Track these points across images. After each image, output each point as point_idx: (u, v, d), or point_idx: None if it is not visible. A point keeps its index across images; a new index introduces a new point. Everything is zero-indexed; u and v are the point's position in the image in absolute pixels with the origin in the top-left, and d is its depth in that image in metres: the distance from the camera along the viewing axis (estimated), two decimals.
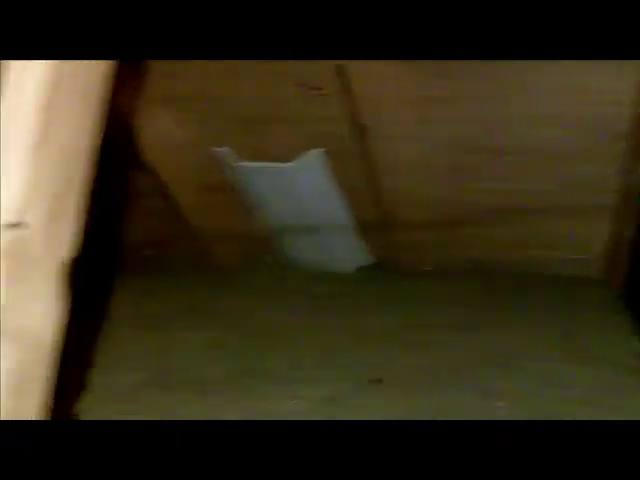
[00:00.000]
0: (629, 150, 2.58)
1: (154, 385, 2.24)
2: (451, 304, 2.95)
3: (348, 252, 3.17)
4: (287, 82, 2.53)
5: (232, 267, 3.17)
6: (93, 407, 2.02)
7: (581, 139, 2.60)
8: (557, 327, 2.66)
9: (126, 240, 3.10)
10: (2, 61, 1.03)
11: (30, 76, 1.05)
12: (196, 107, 2.70)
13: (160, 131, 2.73)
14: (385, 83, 2.50)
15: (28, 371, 1.02)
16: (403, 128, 2.66)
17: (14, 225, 1.01)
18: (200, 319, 2.75)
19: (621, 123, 2.50)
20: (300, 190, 2.85)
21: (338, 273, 3.20)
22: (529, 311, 2.81)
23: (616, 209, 2.81)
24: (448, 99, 2.58)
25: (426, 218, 2.98)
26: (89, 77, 1.12)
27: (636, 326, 2.62)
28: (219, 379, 2.33)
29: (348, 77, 2.47)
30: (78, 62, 1.10)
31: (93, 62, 1.13)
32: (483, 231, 3.04)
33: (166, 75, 2.49)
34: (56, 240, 1.06)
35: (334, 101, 2.56)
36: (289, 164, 2.73)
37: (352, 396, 2.19)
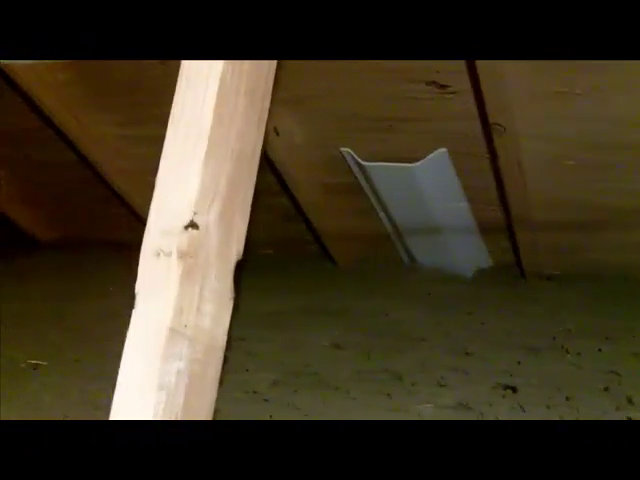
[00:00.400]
0: None
1: (284, 384, 2.25)
2: (578, 309, 2.86)
3: (469, 254, 3.10)
4: (416, 80, 2.49)
5: (353, 267, 3.15)
6: (227, 406, 2.03)
7: None
8: None
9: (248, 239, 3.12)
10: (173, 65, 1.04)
11: (202, 79, 1.05)
12: (321, 107, 2.69)
13: (285, 131, 2.73)
14: (514, 80, 2.43)
15: (200, 371, 1.02)
16: (532, 126, 2.58)
17: (190, 226, 1.01)
18: (323, 319, 2.75)
19: None
20: (425, 190, 2.80)
21: (457, 275, 3.14)
22: None
23: None
24: (576, 95, 2.49)
25: (552, 220, 2.89)
26: (255, 78, 1.12)
27: None
28: (346, 379, 2.32)
29: (477, 74, 2.41)
30: (245, 63, 1.10)
31: (258, 62, 1.13)
32: (610, 234, 2.92)
33: (290, 74, 2.49)
34: (228, 241, 1.05)
35: (463, 99, 2.51)
36: (416, 164, 2.69)
37: (484, 403, 2.14)
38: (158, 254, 1.00)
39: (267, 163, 2.84)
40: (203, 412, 1.03)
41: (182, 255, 1.00)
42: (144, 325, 0.99)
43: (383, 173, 2.78)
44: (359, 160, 2.76)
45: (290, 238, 3.19)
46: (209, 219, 1.03)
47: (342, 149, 2.78)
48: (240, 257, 1.09)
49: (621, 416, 2.02)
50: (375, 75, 2.52)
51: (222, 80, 1.06)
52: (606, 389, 2.20)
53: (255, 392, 2.19)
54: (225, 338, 1.06)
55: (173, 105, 1.04)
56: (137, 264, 1.04)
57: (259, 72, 1.12)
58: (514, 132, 2.56)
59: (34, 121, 2.88)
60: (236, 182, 1.08)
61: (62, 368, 2.37)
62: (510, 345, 2.54)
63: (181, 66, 1.06)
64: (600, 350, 2.47)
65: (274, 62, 1.15)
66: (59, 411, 2.12)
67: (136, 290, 1.00)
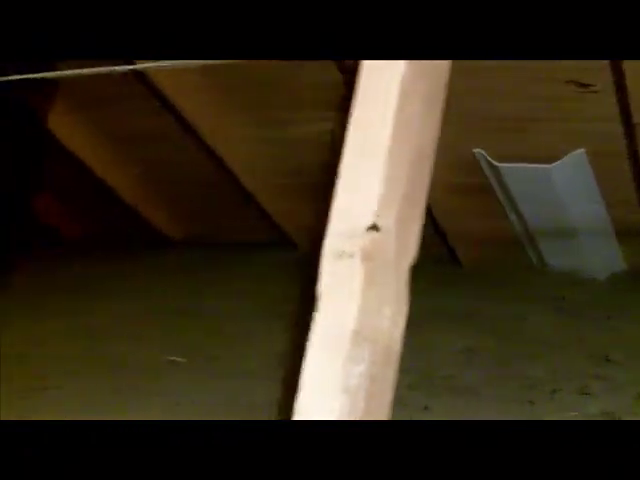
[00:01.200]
0: None
1: (419, 388, 2.23)
2: None
3: (603, 257, 3.02)
4: (556, 79, 2.43)
5: (480, 270, 3.11)
6: None
7: None
8: None
9: None
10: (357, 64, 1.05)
11: (382, 79, 1.05)
12: (452, 106, 2.66)
13: None
14: None
15: (379, 373, 1.02)
16: None
17: (371, 228, 1.01)
18: (452, 322, 2.72)
19: None
20: (560, 192, 2.74)
21: (590, 279, 3.05)
22: None
23: None
24: None
25: None
26: (432, 78, 1.11)
27: None
28: (477, 383, 2.29)
29: (623, 72, 2.34)
30: (424, 63, 1.09)
31: (435, 63, 1.12)
32: None
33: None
34: (405, 243, 1.05)
35: (605, 99, 2.44)
36: (553, 165, 2.63)
37: (628, 412, 2.07)
38: (340, 256, 1.00)
39: None
40: (382, 414, 1.03)
41: (365, 257, 1.00)
42: (327, 327, 0.99)
43: (517, 174, 2.73)
44: (492, 161, 2.72)
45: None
46: (389, 222, 1.02)
47: (475, 150, 2.74)
48: (414, 260, 1.08)
49: None
50: (511, 74, 2.47)
51: (403, 81, 1.05)
52: None
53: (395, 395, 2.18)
54: (401, 341, 1.06)
55: (353, 106, 1.04)
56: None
57: (436, 72, 1.11)
58: None
59: (169, 123, 2.96)
60: (414, 185, 1.07)
61: (200, 365, 2.42)
62: None
63: (361, 67, 1.06)
64: None
65: (448, 62, 1.14)
66: (198, 408, 2.16)
67: (318, 292, 1.00)
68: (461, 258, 3.17)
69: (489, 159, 2.72)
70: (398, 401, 2.20)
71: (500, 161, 2.72)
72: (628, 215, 2.81)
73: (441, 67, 1.10)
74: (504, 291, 2.96)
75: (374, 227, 1.00)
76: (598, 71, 2.36)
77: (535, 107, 2.59)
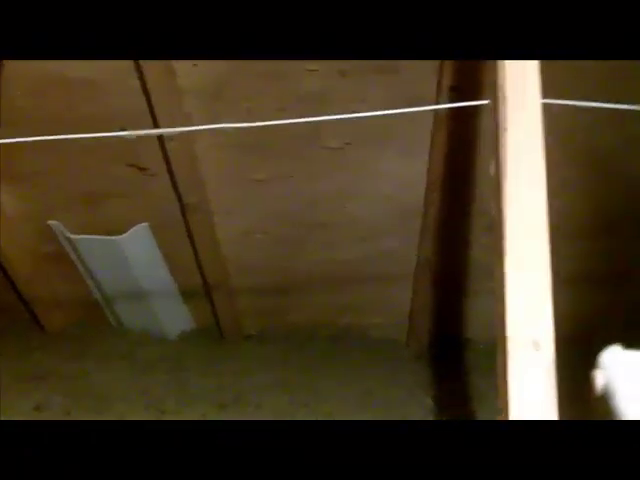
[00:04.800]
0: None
1: None
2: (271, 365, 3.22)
3: (173, 317, 3.38)
4: (121, 161, 2.74)
5: (62, 332, 3.30)
6: None
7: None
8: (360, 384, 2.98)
9: None
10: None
11: None
12: (33, 182, 2.85)
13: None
14: (207, 165, 2.77)
15: None
16: (225, 205, 2.92)
17: None
18: (29, 383, 2.87)
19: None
20: (130, 260, 3.05)
21: (161, 337, 3.39)
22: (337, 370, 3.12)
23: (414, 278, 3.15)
24: (265, 181, 2.85)
25: (249, 285, 3.24)
26: None
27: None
28: None
29: (170, 158, 2.70)
30: None
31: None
32: (303, 297, 3.32)
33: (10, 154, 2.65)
34: None
35: (161, 180, 2.79)
36: (121, 237, 2.94)
37: None
38: None
39: None
40: None
41: None
42: None
43: (90, 245, 2.99)
44: (66, 232, 2.96)
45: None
46: None
47: (50, 222, 2.96)
48: None
49: None
50: (83, 154, 2.74)
51: None
52: None
53: None
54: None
55: None
56: None
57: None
58: (207, 210, 2.90)
59: None
60: None
61: None
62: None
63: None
64: None
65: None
66: None
67: None
68: (44, 322, 3.33)
69: (63, 231, 2.95)
70: None
71: (75, 233, 2.98)
72: (190, 280, 3.20)
73: None
74: (82, 351, 3.19)
75: None
76: (154, 155, 2.72)
77: (106, 185, 2.87)
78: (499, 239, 1.13)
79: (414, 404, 2.84)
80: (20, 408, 2.66)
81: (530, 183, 1.13)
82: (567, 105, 1.46)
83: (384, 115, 2.36)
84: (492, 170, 1.20)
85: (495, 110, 1.22)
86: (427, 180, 2.72)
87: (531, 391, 1.10)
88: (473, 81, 2.24)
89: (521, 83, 1.25)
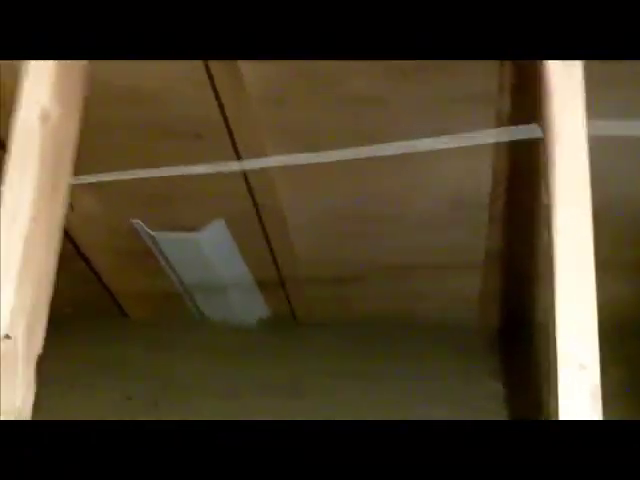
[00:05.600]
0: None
1: None
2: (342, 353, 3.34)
3: (250, 306, 3.54)
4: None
5: (150, 322, 3.50)
6: None
7: None
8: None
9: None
10: None
11: None
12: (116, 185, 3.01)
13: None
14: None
15: None
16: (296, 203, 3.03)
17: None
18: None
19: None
20: (208, 254, 3.21)
21: (241, 326, 3.55)
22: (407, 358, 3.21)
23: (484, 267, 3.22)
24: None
25: (318, 275, 3.36)
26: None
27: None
28: None
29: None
30: None
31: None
32: (372, 286, 3.42)
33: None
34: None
35: (235, 180, 2.92)
36: (198, 232, 3.10)
37: None
38: None
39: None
40: None
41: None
42: None
43: (170, 240, 3.16)
44: (148, 230, 3.13)
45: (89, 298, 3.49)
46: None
47: (132, 220, 3.13)
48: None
49: None
50: (163, 158, 2.87)
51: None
52: None
53: None
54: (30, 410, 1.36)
55: None
56: None
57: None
58: (278, 206, 3.02)
59: None
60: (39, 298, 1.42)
61: None
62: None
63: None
64: None
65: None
66: None
67: None
68: (129, 313, 3.53)
69: (145, 228, 3.12)
70: None
71: (156, 230, 3.15)
72: (264, 269, 3.34)
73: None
74: (166, 341, 3.37)
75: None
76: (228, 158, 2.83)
77: (185, 184, 3.00)
78: (549, 268, 1.21)
79: (483, 391, 2.91)
80: (112, 397, 2.84)
81: (579, 217, 1.20)
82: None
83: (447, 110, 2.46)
84: (545, 199, 1.27)
85: (544, 143, 1.29)
86: (492, 174, 2.77)
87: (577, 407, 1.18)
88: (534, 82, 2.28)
89: (568, 110, 1.31)
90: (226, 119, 2.59)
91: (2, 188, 1.41)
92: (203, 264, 3.26)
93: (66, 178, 1.52)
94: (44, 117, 1.46)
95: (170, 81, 2.50)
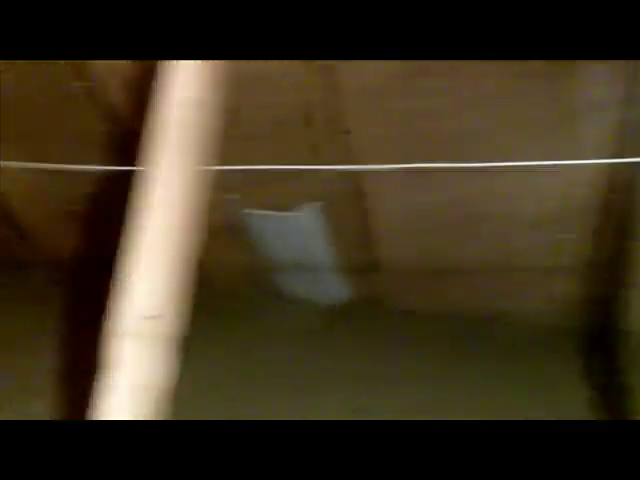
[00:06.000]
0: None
1: None
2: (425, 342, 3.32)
3: (336, 289, 3.55)
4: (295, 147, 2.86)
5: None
6: None
7: None
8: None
9: None
10: None
11: None
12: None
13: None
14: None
15: None
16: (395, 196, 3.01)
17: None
18: None
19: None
20: (300, 234, 3.23)
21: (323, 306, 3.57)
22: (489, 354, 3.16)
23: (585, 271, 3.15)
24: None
25: (411, 265, 3.33)
26: None
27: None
28: None
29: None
30: None
31: None
32: (464, 281, 3.38)
33: None
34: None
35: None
36: (295, 213, 3.13)
37: None
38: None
39: None
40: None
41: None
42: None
43: (264, 219, 3.19)
44: (244, 208, 3.15)
45: None
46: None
47: (228, 196, 3.15)
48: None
49: None
50: (262, 142, 2.88)
51: None
52: None
53: None
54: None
55: None
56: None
57: None
58: (381, 195, 2.99)
59: None
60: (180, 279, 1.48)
61: None
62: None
63: None
64: None
65: None
66: None
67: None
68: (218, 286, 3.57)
69: (241, 206, 3.15)
70: None
71: (251, 209, 3.17)
72: (354, 254, 3.34)
73: None
74: (251, 317, 3.41)
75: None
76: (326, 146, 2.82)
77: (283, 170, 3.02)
78: None
79: (573, 393, 2.85)
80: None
81: None
82: None
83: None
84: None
85: None
86: (608, 181, 2.71)
87: None
88: None
89: None
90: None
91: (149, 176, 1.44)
92: (294, 244, 3.28)
93: (208, 165, 1.54)
94: (191, 107, 1.51)
95: None
